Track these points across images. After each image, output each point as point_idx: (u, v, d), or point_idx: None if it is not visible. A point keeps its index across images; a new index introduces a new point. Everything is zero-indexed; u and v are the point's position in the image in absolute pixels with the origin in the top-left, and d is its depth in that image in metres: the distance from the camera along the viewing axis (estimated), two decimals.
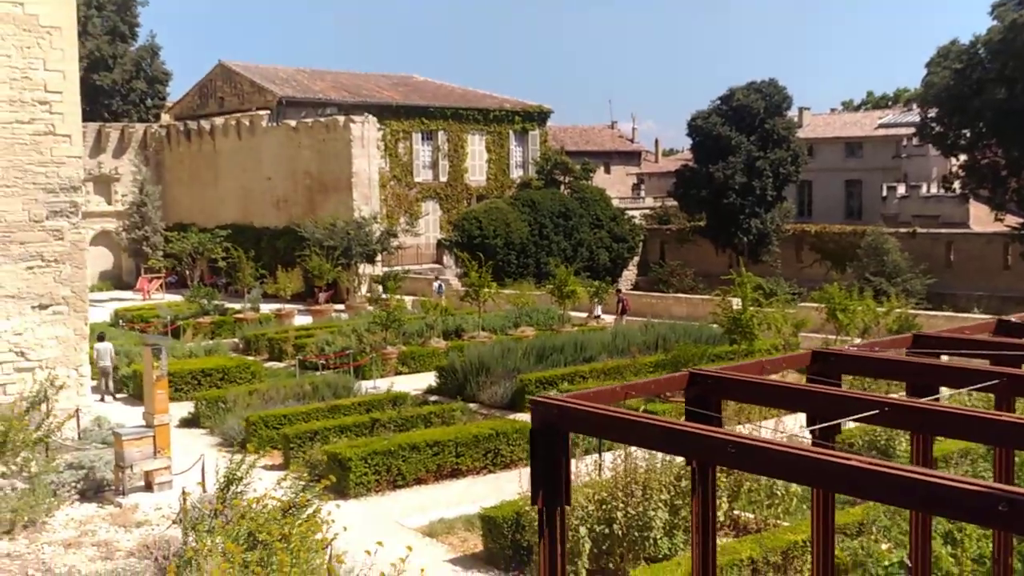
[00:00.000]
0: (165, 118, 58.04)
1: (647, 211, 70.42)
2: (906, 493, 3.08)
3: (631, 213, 63.36)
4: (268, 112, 50.32)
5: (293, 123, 47.81)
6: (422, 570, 10.05)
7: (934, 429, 4.24)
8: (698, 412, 4.68)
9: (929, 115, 52.44)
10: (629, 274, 60.56)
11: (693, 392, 4.71)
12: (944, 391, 4.89)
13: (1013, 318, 6.25)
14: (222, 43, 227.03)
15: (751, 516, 14.37)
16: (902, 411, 4.16)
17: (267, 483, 12.74)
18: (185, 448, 18.66)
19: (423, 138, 56.33)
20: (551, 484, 4.24)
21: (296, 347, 28.67)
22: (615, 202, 61.95)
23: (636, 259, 61.39)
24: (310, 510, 12.13)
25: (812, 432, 4.63)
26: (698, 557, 4.64)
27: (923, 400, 4.27)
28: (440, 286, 41.32)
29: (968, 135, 51.06)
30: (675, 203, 63.99)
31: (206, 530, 11.53)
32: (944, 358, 5.47)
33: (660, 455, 13.84)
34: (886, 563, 9.45)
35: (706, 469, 4.52)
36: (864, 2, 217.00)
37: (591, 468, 13.84)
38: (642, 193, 79.20)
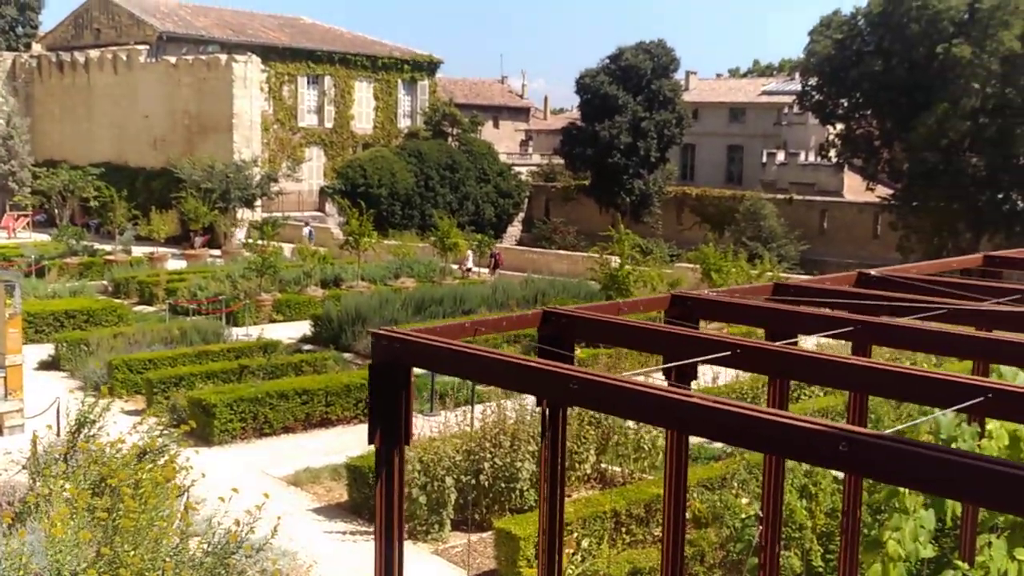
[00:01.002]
0: (37, 48, 55.20)
1: (534, 168, 70.45)
2: (749, 432, 2.96)
3: (518, 169, 63.24)
4: (147, 47, 48.39)
5: (173, 60, 46.11)
6: (278, 518, 9.77)
7: (788, 373, 4.16)
8: (550, 351, 4.51)
9: (809, 83, 53.55)
10: (514, 230, 60.58)
11: (546, 331, 4.54)
12: (802, 338, 4.83)
13: (873, 271, 6.26)
14: None
15: (618, 470, 14.46)
16: (756, 353, 4.05)
17: (126, 428, 12.25)
18: (43, 392, 17.86)
19: (309, 82, 55.04)
20: (390, 422, 4.02)
21: (168, 291, 27.78)
22: (503, 158, 61.70)
23: (521, 215, 61.42)
24: (167, 456, 11.73)
25: (667, 374, 4.51)
26: (546, 505, 4.47)
27: (778, 343, 4.17)
28: (311, 232, 40.62)
29: (845, 105, 52.35)
30: (562, 161, 64.12)
31: (53, 475, 11.00)
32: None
33: (530, 406, 13.80)
34: (743, 516, 9.55)
35: (556, 410, 4.35)
36: None
37: (461, 419, 13.71)
38: (530, 150, 79.14)
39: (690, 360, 4.13)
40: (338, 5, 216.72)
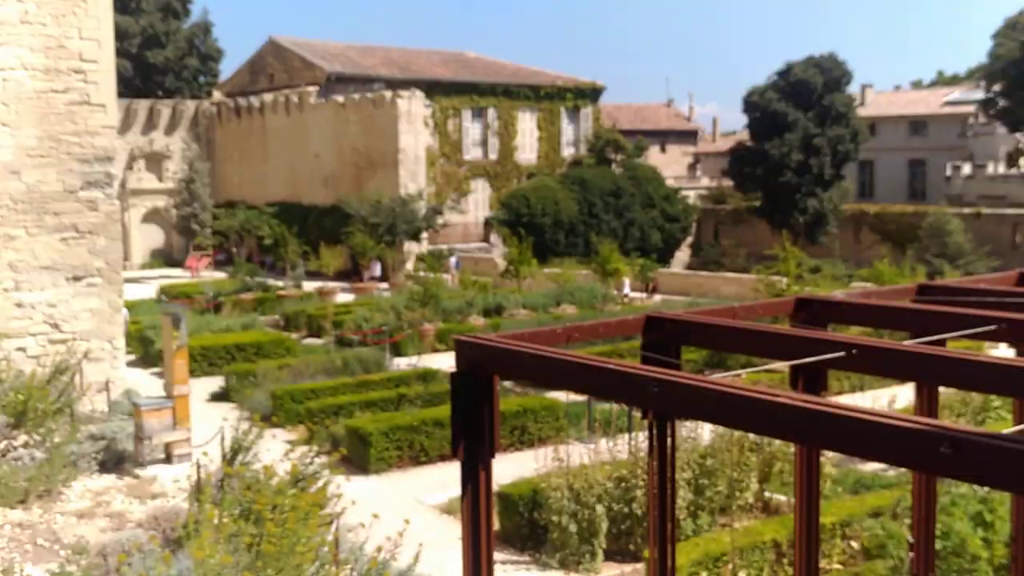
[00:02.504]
0: (217, 95, 58.17)
1: (702, 191, 69.28)
2: (845, 435, 2.51)
3: (686, 193, 62.25)
4: (317, 88, 50.16)
5: (341, 99, 47.58)
6: (420, 544, 9.61)
7: (919, 373, 3.64)
8: (655, 358, 4.11)
9: (994, 89, 50.63)
10: (682, 255, 59.59)
11: (650, 337, 4.15)
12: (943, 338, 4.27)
13: None
14: (274, 19, 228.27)
15: (783, 499, 13.69)
16: (881, 354, 3.55)
17: (290, 456, 12.43)
18: (213, 422, 18.43)
19: (473, 115, 55.76)
20: (474, 434, 3.71)
21: (334, 323, 28.41)
22: (670, 182, 60.87)
23: (690, 239, 60.37)
24: (320, 483, 11.80)
25: (793, 381, 4.05)
26: (655, 520, 4.07)
27: (908, 343, 3.65)
28: (456, 261, 40.87)
29: None
30: (731, 183, 62.79)
31: (209, 501, 11.19)
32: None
33: (685, 431, 13.25)
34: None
35: (663, 421, 3.96)
36: None
37: (613, 446, 13.27)
38: (698, 173, 77.98)
39: (805, 360, 3.66)
40: (502, 39, 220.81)
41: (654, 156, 69.27)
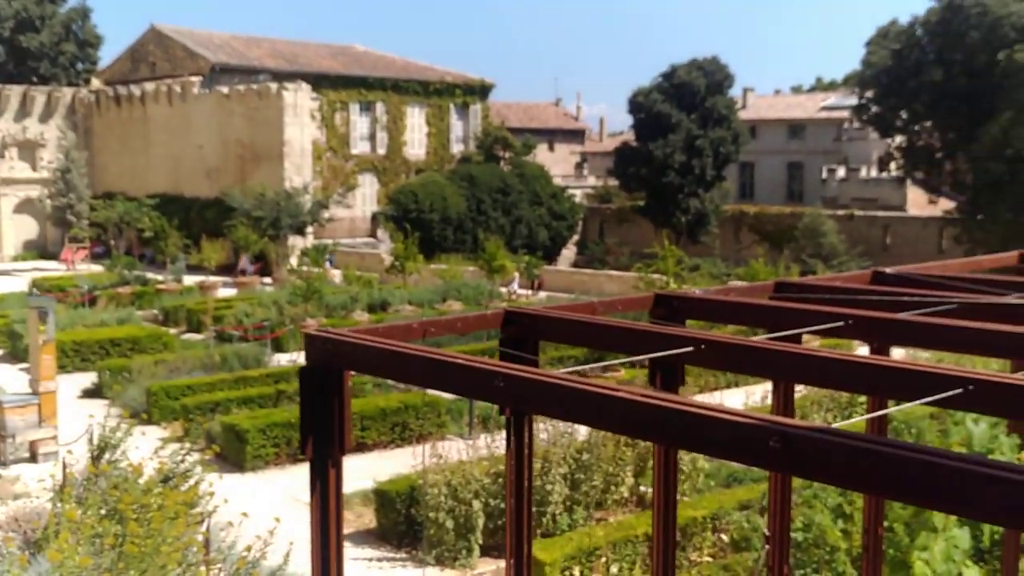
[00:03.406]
0: (96, 83, 56.31)
1: (589, 190, 70.01)
2: (660, 426, 2.54)
3: (573, 191, 62.81)
4: (201, 78, 49.01)
5: (225, 90, 46.61)
6: (291, 543, 9.46)
7: (761, 370, 3.71)
8: (513, 354, 4.10)
9: (867, 96, 52.45)
10: (568, 252, 60.13)
11: (508, 332, 4.14)
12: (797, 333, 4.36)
13: (889, 269, 5.76)
14: (156, 6, 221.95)
15: None
16: (720, 348, 3.61)
17: (161, 454, 12.09)
18: (83, 419, 17.83)
19: (361, 109, 55.25)
20: (323, 431, 3.64)
21: (215, 318, 27.78)
22: (558, 180, 61.34)
23: (576, 237, 60.94)
24: (191, 481, 11.53)
25: (651, 378, 4.08)
26: (512, 517, 4.06)
27: (760, 339, 3.72)
28: (332, 259, 40.35)
29: (905, 117, 51.20)
30: (617, 183, 63.58)
31: (73, 500, 10.82)
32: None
33: (562, 427, 13.36)
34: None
35: (520, 418, 3.95)
36: None
37: (491, 442, 13.28)
38: (585, 172, 78.74)
39: (655, 354, 3.70)
40: (392, 33, 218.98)
41: (542, 155, 69.71)
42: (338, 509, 3.78)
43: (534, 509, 12.50)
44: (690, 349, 3.54)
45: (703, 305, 4.68)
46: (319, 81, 51.15)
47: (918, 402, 2.81)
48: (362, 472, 15.73)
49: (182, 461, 11.85)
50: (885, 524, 8.01)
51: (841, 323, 4.08)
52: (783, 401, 4.65)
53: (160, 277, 35.44)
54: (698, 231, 56.76)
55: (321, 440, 3.66)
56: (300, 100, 44.62)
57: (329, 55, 57.56)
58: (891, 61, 48.86)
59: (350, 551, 12.70)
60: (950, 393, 2.78)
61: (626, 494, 13.65)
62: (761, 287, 5.29)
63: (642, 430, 2.96)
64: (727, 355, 3.72)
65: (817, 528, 7.91)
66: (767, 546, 5.38)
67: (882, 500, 5.54)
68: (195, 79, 48.77)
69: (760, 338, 4.00)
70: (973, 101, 45.57)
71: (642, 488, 13.94)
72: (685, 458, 14.00)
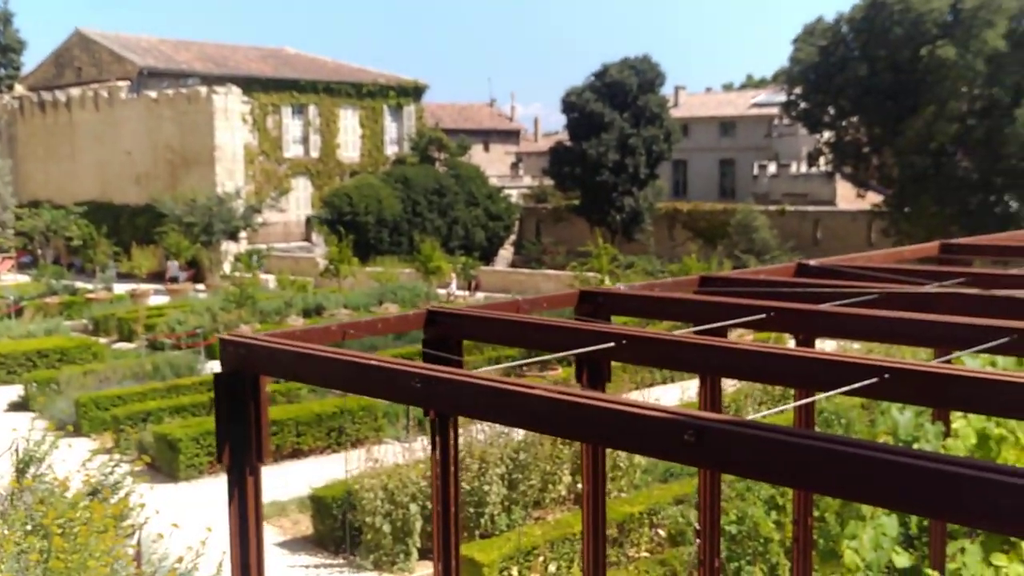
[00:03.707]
0: (19, 89, 55.02)
1: (525, 190, 70.07)
2: (577, 422, 2.51)
3: (509, 192, 62.81)
4: (128, 83, 48.16)
5: (154, 94, 45.83)
6: (223, 552, 9.29)
7: (682, 364, 3.70)
8: (436, 355, 4.04)
9: (795, 92, 53.23)
10: (506, 252, 60.13)
11: (431, 333, 4.07)
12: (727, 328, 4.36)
13: (812, 261, 5.80)
14: (80, 11, 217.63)
15: None
16: (641, 343, 3.59)
17: (88, 466, 11.84)
18: (8, 432, 17.39)
19: (294, 112, 54.73)
20: (239, 438, 3.54)
21: (146, 327, 27.31)
22: (494, 181, 61.30)
23: (513, 238, 60.97)
24: (122, 493, 11.31)
25: (578, 375, 4.05)
26: (439, 521, 4.00)
27: (660, 332, 3.71)
28: (260, 263, 39.31)
29: (832, 112, 52.01)
30: (552, 182, 63.69)
31: None
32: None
33: (499, 427, 13.32)
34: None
35: (444, 420, 3.89)
36: None
37: (426, 445, 13.19)
38: (520, 172, 78.82)
39: (577, 351, 3.67)
40: (323, 35, 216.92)
41: (478, 155, 69.66)
42: (257, 518, 3.70)
43: (472, 510, 12.46)
44: (611, 345, 3.52)
45: (628, 301, 4.67)
46: (250, 84, 50.59)
47: (834, 392, 2.81)
48: (299, 478, 15.57)
49: (111, 473, 11.64)
50: (816, 514, 8.10)
51: (764, 316, 4.08)
52: (709, 396, 4.65)
53: (89, 286, 34.73)
54: (633, 229, 57.09)
55: (238, 448, 3.57)
56: (231, 104, 44.05)
57: (259, 58, 56.91)
58: (818, 58, 49.61)
59: (286, 559, 12.55)
60: (867, 382, 2.78)
61: (564, 492, 13.66)
62: (687, 281, 5.29)
63: (559, 427, 2.93)
64: (649, 350, 3.71)
65: (750, 520, 7.97)
66: (698, 540, 5.39)
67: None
68: (122, 84, 47.92)
69: (683, 332, 3.99)
70: (898, 96, 46.46)
71: (580, 486, 13.95)
72: (622, 455, 14.06)
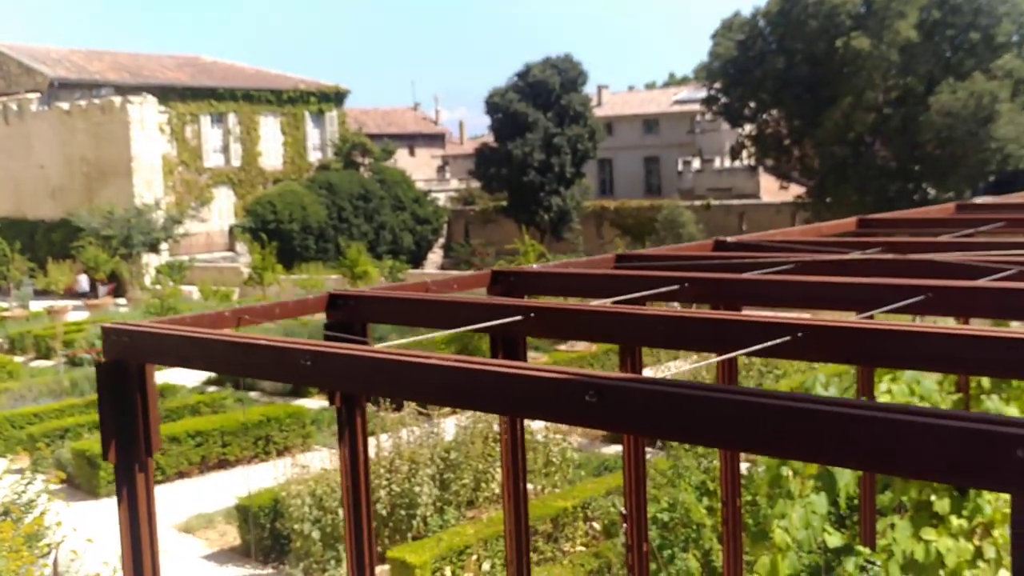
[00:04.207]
0: None
1: (452, 193, 69.90)
2: (475, 391, 2.34)
3: (436, 195, 62.57)
4: (39, 95, 46.91)
5: (66, 106, 44.71)
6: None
7: (596, 334, 3.54)
8: (340, 339, 3.83)
9: (715, 87, 53.81)
10: (435, 256, 59.85)
11: (334, 317, 3.87)
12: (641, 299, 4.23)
13: (730, 238, 5.71)
14: None
15: (529, 487, 13.79)
16: (552, 315, 3.43)
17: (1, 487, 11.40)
18: None
19: (213, 121, 53.82)
20: (126, 432, 3.30)
21: (65, 343, 26.50)
22: (421, 184, 60.98)
23: (442, 240, 60.72)
24: (37, 511, 10.92)
25: (493, 350, 3.88)
26: (350, 516, 3.80)
27: (567, 304, 3.56)
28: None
29: (753, 106, 52.65)
30: (479, 184, 63.61)
31: None
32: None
33: (428, 428, 13.11)
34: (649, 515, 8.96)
35: (351, 405, 3.70)
36: None
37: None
38: (447, 175, 78.62)
39: (484, 324, 3.49)
40: (241, 42, 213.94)
41: (403, 159, 69.27)
42: (150, 516, 3.45)
43: (403, 513, 12.22)
44: (519, 318, 3.35)
45: (540, 279, 4.51)
46: (166, 94, 49.66)
47: (748, 351, 2.67)
48: (225, 489, 15.18)
49: (23, 491, 11.23)
50: (748, 497, 8.03)
51: (677, 287, 3.95)
52: (631, 366, 4.49)
53: (4, 304, 33.72)
54: (561, 228, 57.22)
55: (125, 443, 3.32)
56: (147, 114, 43.17)
57: (175, 66, 55.87)
58: (736, 52, 50.19)
59: (214, 571, 12.19)
60: (779, 340, 2.65)
61: (497, 491, 13.46)
62: (602, 260, 5.16)
63: (461, 398, 2.75)
64: (563, 321, 3.55)
65: (681, 507, 7.87)
66: (624, 524, 5.23)
67: (736, 469, 5.48)
68: (32, 96, 46.68)
69: (598, 303, 3.85)
70: (816, 88, 47.18)
71: None
72: (554, 449, 13.94)
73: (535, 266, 4.82)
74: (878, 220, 7.13)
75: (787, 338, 2.73)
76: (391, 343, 3.38)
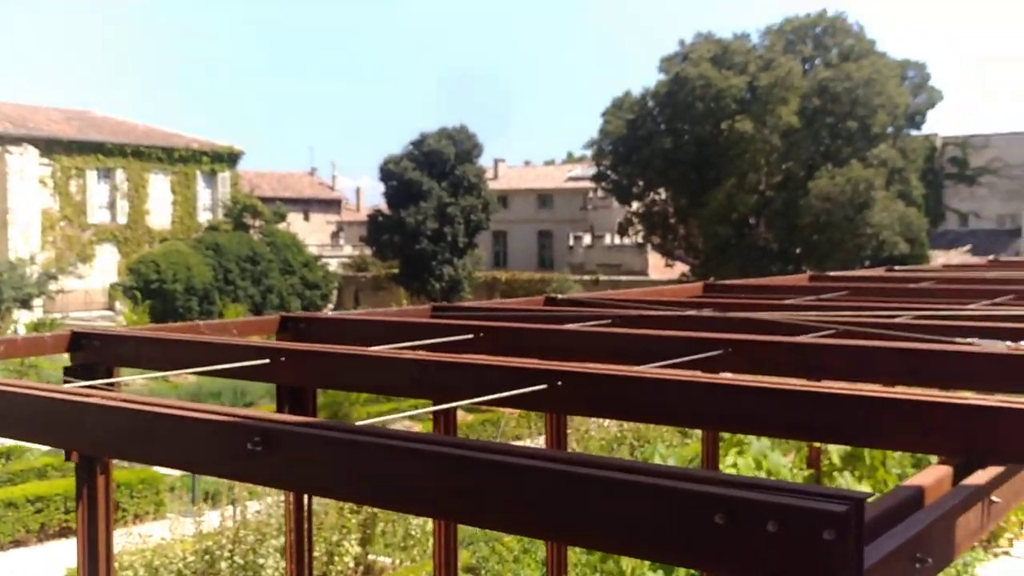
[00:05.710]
0: None
1: (346, 259, 69.23)
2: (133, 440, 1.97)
3: (329, 261, 61.82)
4: None
5: None
6: None
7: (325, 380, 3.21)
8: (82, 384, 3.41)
9: (604, 164, 54.63)
10: None
11: (78, 359, 3.45)
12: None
13: (560, 296, 5.48)
14: None
15: (387, 560, 13.26)
16: (346, 362, 3.10)
17: None
18: None
19: (100, 176, 52.49)
20: None
21: None
22: (314, 250, 60.21)
23: (331, 306, 59.79)
24: None
25: (279, 404, 3.51)
26: None
27: (362, 349, 3.22)
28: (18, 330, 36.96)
29: (641, 184, 53.50)
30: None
31: None
32: None
33: (277, 495, 12.49)
34: None
35: (90, 462, 3.29)
36: (570, 66, 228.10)
37: (202, 520, 12.25)
38: (341, 241, 77.96)
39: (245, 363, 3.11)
40: (139, 98, 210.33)
41: (298, 224, 68.43)
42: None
43: None
44: (266, 361, 2.99)
45: (332, 325, 4.18)
46: (51, 146, 48.34)
47: (491, 397, 2.37)
48: (65, 559, 14.24)
49: None
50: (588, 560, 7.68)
51: (471, 336, 3.66)
52: (444, 426, 4.14)
53: None
54: (452, 297, 56.87)
55: None
56: (27, 165, 41.84)
57: (63, 119, 54.40)
58: (626, 130, 51.09)
59: None
60: (535, 388, 2.35)
61: (351, 564, 12.88)
62: (424, 310, 4.85)
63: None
64: (354, 369, 3.18)
65: None
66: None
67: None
68: None
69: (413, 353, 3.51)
70: (701, 168, 48.22)
71: (370, 557, 13.23)
72: (413, 523, 13.44)
73: (329, 312, 4.48)
74: (725, 285, 7.00)
75: (543, 386, 2.43)
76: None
